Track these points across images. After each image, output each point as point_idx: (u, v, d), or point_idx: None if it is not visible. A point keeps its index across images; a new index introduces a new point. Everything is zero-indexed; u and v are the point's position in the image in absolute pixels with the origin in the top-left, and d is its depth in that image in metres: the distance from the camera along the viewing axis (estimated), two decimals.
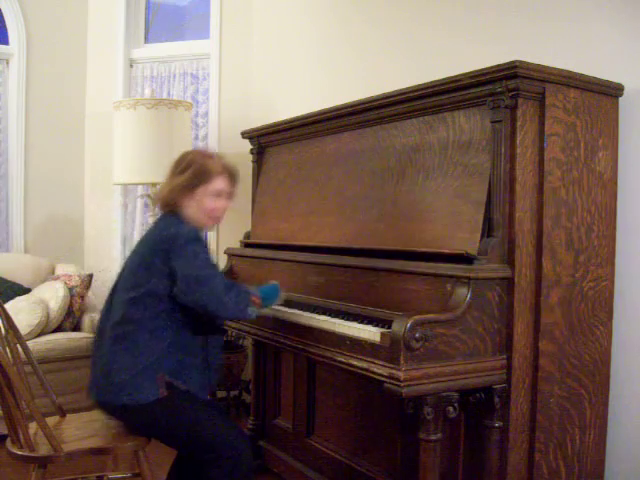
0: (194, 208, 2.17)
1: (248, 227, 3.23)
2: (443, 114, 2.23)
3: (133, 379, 2.05)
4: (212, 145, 4.25)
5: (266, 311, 2.33)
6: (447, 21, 2.93)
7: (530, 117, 2.00)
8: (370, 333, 1.94)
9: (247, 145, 3.33)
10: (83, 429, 2.25)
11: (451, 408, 1.91)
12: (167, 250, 2.07)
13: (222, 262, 3.23)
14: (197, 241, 2.12)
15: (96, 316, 3.90)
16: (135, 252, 2.23)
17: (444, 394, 1.89)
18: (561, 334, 2.08)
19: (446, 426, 2.05)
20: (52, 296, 3.75)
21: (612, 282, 2.22)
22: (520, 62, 1.92)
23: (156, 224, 2.25)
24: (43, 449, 2.04)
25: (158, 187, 2.36)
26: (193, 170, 2.17)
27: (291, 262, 2.71)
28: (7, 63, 4.41)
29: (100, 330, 2.23)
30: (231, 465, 2.06)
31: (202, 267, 2.08)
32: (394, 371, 1.79)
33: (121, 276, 2.23)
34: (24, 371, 2.25)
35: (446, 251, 2.03)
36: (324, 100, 3.05)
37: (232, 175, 2.26)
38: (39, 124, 4.49)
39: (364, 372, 1.93)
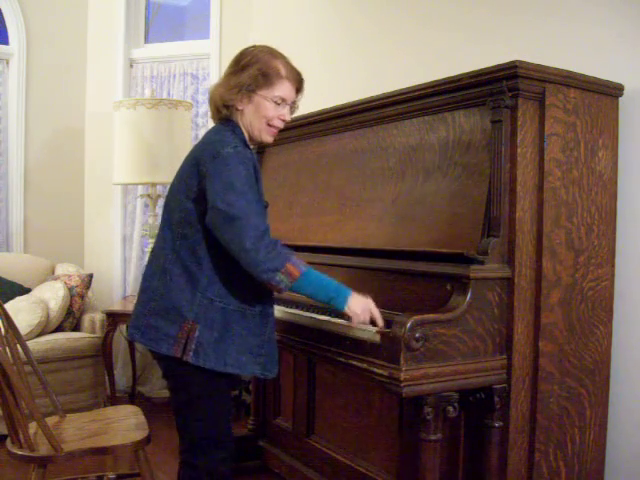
0: (251, 114, 1.93)
1: None
2: (443, 114, 2.23)
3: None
4: None
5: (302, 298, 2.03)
6: (447, 21, 2.93)
7: (530, 117, 2.00)
8: (370, 333, 1.93)
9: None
10: (83, 429, 2.25)
11: (451, 408, 1.91)
12: (202, 163, 1.85)
13: None
14: (241, 160, 1.85)
15: (96, 316, 3.91)
16: (177, 172, 2.01)
17: (444, 394, 1.89)
18: (561, 334, 2.08)
19: (446, 426, 2.05)
20: (52, 296, 3.75)
21: (612, 282, 2.22)
22: (520, 62, 1.92)
23: (204, 136, 2.01)
24: (43, 449, 2.04)
25: (212, 89, 2.02)
26: (257, 68, 1.91)
27: None
28: (7, 63, 4.41)
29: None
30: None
31: (236, 200, 1.80)
32: (394, 371, 1.79)
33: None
34: (24, 371, 2.25)
35: (446, 251, 2.03)
36: (324, 100, 3.04)
37: (299, 82, 1.99)
38: (39, 124, 4.50)
39: (364, 372, 1.93)
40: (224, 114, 1.97)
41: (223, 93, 1.95)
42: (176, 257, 1.93)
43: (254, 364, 1.96)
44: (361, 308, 1.92)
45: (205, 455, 1.97)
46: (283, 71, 1.95)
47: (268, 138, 2.02)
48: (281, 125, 2.00)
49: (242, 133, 1.97)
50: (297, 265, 1.86)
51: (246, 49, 2.02)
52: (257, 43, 2.05)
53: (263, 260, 1.81)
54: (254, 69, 1.92)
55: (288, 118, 2.00)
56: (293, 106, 2.03)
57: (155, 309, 1.94)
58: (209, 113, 2.10)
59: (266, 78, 1.92)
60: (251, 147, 2.00)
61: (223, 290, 1.91)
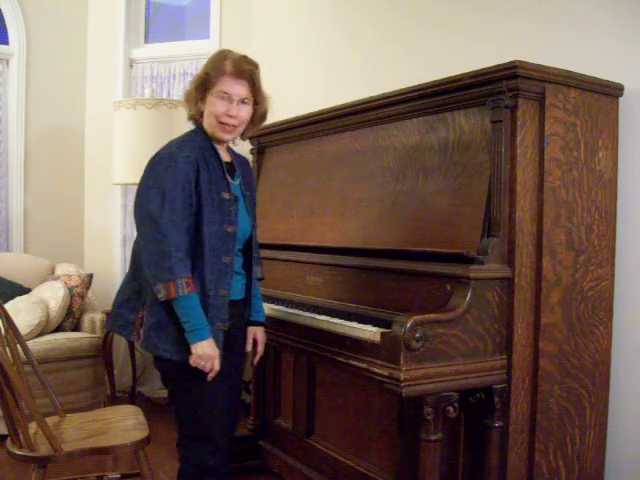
0: (206, 113, 2.01)
1: None
2: (443, 114, 2.23)
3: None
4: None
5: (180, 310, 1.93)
6: (447, 21, 2.93)
7: (530, 117, 2.00)
8: (370, 333, 1.94)
9: (247, 145, 3.33)
10: (83, 429, 2.25)
11: (451, 408, 1.91)
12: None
13: None
14: (172, 161, 1.92)
15: (96, 316, 3.91)
16: None
17: (444, 394, 1.89)
18: (561, 334, 2.08)
19: (446, 426, 2.05)
20: (52, 296, 3.75)
21: (612, 282, 2.22)
22: (520, 62, 1.92)
23: None
24: (43, 449, 2.04)
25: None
26: (204, 70, 2.01)
27: (291, 262, 2.71)
28: (7, 63, 4.41)
29: None
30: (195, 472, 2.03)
31: (153, 198, 1.88)
32: (394, 371, 1.79)
33: None
34: (24, 371, 2.25)
35: (446, 251, 2.03)
36: (324, 100, 3.04)
37: (241, 73, 1.99)
38: (39, 124, 4.50)
39: (364, 372, 1.93)
40: (193, 121, 2.09)
41: (185, 105, 2.09)
42: (136, 248, 2.04)
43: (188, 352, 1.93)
44: (206, 355, 1.92)
45: (192, 447, 2.02)
46: (227, 67, 1.98)
47: (222, 135, 2.04)
48: (231, 121, 2.00)
49: (203, 135, 2.04)
50: (178, 287, 1.86)
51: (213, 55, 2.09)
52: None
53: (155, 266, 1.87)
54: (202, 72, 2.02)
55: (235, 113, 2.00)
56: (246, 101, 2.02)
57: (122, 299, 2.07)
58: None
59: (210, 76, 1.98)
60: (216, 148, 2.05)
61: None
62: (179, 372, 1.98)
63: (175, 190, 1.89)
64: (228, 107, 1.99)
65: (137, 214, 1.92)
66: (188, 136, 2.05)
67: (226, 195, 2.01)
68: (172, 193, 1.89)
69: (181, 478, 2.06)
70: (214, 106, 1.98)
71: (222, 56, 2.02)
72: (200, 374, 1.95)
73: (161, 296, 1.87)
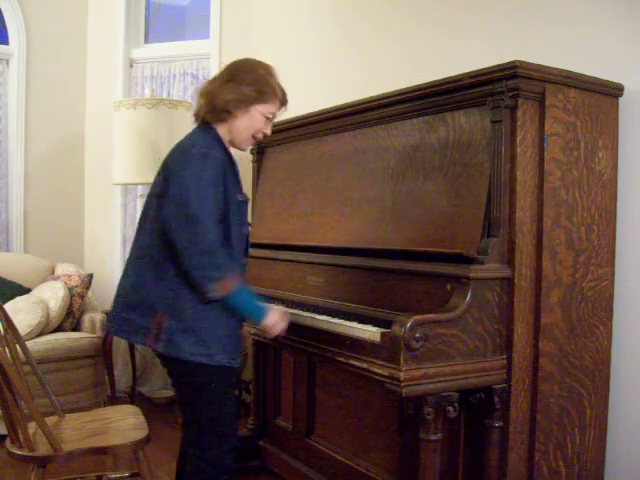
0: (244, 123, 2.06)
1: None
2: (443, 114, 2.23)
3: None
4: None
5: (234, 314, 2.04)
6: (447, 21, 2.93)
7: (530, 117, 2.00)
8: (370, 333, 1.94)
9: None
10: (83, 429, 2.25)
11: (451, 408, 1.91)
12: (170, 161, 1.99)
13: None
14: (208, 161, 1.94)
15: (96, 316, 3.91)
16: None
17: (444, 394, 1.89)
18: (561, 334, 2.08)
19: (446, 426, 2.05)
20: (52, 296, 3.75)
21: (612, 282, 2.22)
22: (520, 62, 1.92)
23: (184, 137, 2.11)
24: (42, 449, 2.04)
25: (208, 89, 2.13)
26: (258, 84, 2.05)
27: (291, 262, 2.71)
28: (7, 63, 4.41)
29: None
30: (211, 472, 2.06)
31: (195, 200, 1.88)
32: (394, 371, 1.79)
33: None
34: (23, 371, 2.25)
35: (446, 251, 2.03)
36: (324, 100, 3.04)
37: (285, 103, 2.15)
38: (39, 124, 4.49)
39: (364, 372, 1.93)
40: (210, 117, 2.07)
41: (227, 99, 2.04)
42: (148, 252, 2.01)
43: (222, 353, 2.00)
44: (275, 323, 2.05)
45: (211, 447, 2.04)
46: (277, 91, 2.09)
47: (246, 147, 2.17)
48: (261, 138, 2.15)
49: (220, 136, 2.07)
50: (232, 278, 1.93)
51: (245, 62, 2.15)
52: (253, 57, 2.21)
53: (205, 268, 1.88)
54: (255, 84, 2.05)
55: (269, 133, 2.15)
56: (273, 121, 2.17)
57: (129, 303, 2.03)
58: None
59: (264, 95, 2.06)
60: (230, 149, 2.11)
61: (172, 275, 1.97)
62: (202, 374, 2.00)
63: (211, 191, 1.91)
64: (267, 127, 2.11)
65: (173, 215, 1.89)
66: (211, 135, 2.05)
67: (240, 197, 2.06)
68: (208, 194, 1.90)
69: (197, 479, 2.06)
70: (257, 122, 2.07)
71: (276, 77, 2.11)
72: (221, 374, 2.01)
73: (214, 295, 1.91)
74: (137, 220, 4.69)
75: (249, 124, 2.07)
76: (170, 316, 1.94)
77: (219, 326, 1.99)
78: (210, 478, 2.04)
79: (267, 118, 2.09)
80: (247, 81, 2.05)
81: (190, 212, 1.86)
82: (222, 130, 2.08)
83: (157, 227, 1.97)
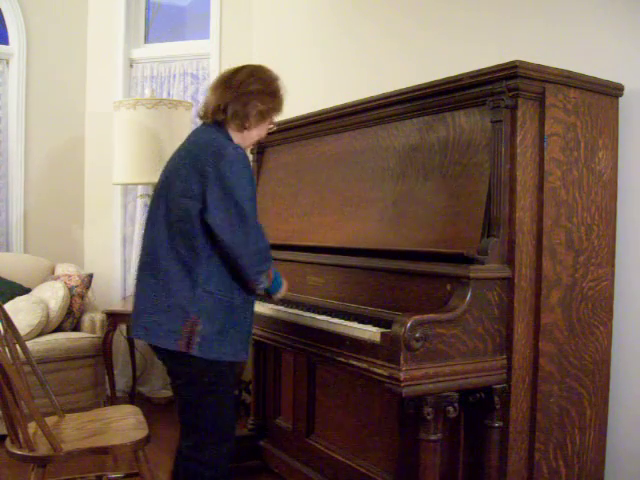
0: (258, 131, 2.12)
1: None
2: (443, 114, 2.23)
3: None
4: None
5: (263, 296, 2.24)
6: (447, 21, 2.93)
7: (530, 117, 2.00)
8: (370, 333, 1.94)
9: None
10: (82, 429, 2.25)
11: (451, 408, 1.91)
12: (205, 163, 1.95)
13: None
14: (244, 161, 1.99)
15: (96, 316, 3.91)
16: (169, 170, 2.10)
17: (444, 394, 1.89)
18: (561, 334, 2.08)
19: (446, 426, 2.05)
20: (52, 296, 3.75)
21: (612, 282, 2.22)
22: (520, 62, 1.92)
23: (196, 135, 2.11)
24: (42, 449, 2.04)
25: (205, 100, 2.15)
26: (279, 100, 2.12)
27: (291, 262, 2.71)
28: (7, 63, 4.41)
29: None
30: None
31: (246, 202, 1.94)
32: (394, 371, 1.79)
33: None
34: (23, 371, 2.25)
35: (446, 251, 2.03)
36: (324, 100, 3.05)
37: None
38: (39, 124, 4.49)
39: (364, 372, 1.93)
40: (223, 118, 2.06)
41: (251, 112, 2.06)
42: (174, 254, 1.99)
43: (243, 351, 2.08)
44: (285, 289, 2.24)
45: (211, 449, 2.06)
46: (283, 102, 2.16)
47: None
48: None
49: (231, 137, 2.08)
50: (271, 272, 2.09)
51: (267, 73, 2.13)
52: (263, 67, 2.18)
53: (258, 262, 1.99)
54: (275, 98, 2.11)
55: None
56: None
57: (157, 307, 1.99)
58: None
59: (279, 107, 2.14)
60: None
61: (221, 283, 2.00)
62: (218, 375, 2.03)
63: (252, 189, 1.99)
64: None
65: (223, 217, 1.92)
66: (227, 136, 2.06)
67: None
68: (252, 193, 1.98)
69: None
70: (263, 132, 2.15)
71: (283, 87, 2.15)
72: (229, 375, 2.06)
73: (263, 286, 2.05)
74: (137, 220, 4.68)
75: (259, 133, 2.14)
76: (206, 320, 1.97)
77: (243, 325, 2.07)
78: None
79: (269, 127, 2.17)
80: (271, 93, 2.09)
81: (241, 212, 1.92)
82: (232, 132, 2.08)
83: (184, 228, 1.97)
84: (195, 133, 2.13)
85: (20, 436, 2.02)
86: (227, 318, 2.00)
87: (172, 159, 2.13)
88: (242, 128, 2.07)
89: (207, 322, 1.97)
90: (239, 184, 1.93)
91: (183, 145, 2.13)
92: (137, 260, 2.19)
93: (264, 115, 2.09)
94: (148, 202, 4.17)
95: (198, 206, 1.94)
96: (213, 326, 1.97)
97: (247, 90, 2.05)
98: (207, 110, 2.09)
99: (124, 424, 2.29)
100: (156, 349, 2.06)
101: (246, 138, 2.11)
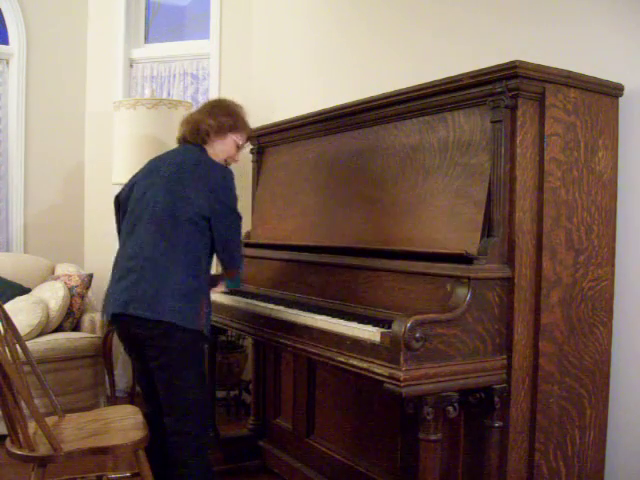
0: (220, 147, 2.47)
1: (248, 227, 3.23)
2: (443, 114, 2.23)
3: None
4: None
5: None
6: (447, 21, 2.93)
7: (530, 117, 2.00)
8: (370, 333, 1.93)
9: (247, 145, 3.32)
10: (83, 429, 2.25)
11: (451, 408, 1.91)
12: (211, 177, 2.30)
13: None
14: (232, 178, 2.37)
15: (96, 316, 3.91)
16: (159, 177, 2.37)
17: (444, 394, 1.88)
18: (561, 334, 2.08)
19: (446, 426, 2.05)
20: (52, 296, 3.75)
21: (612, 282, 2.22)
22: (520, 62, 1.92)
23: (183, 152, 2.44)
24: (42, 449, 2.04)
25: (195, 118, 2.52)
26: (235, 117, 2.50)
27: (291, 262, 2.71)
28: (7, 63, 4.41)
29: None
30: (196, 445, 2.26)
31: (235, 206, 2.34)
32: (394, 371, 1.79)
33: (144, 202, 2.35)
34: (23, 371, 2.25)
35: (446, 251, 2.03)
36: (324, 100, 3.05)
37: (250, 137, 2.66)
38: (39, 124, 4.49)
39: (364, 372, 1.92)
40: (193, 139, 2.45)
41: (207, 126, 2.43)
42: (181, 249, 2.24)
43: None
44: None
45: (195, 421, 2.25)
46: (247, 124, 2.56)
47: None
48: (230, 163, 2.54)
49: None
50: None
51: (222, 101, 2.61)
52: (224, 98, 2.67)
53: (239, 254, 2.38)
54: (231, 117, 2.49)
55: (238, 160, 2.58)
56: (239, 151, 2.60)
57: (179, 294, 2.20)
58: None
59: (238, 125, 2.51)
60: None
61: (205, 269, 2.32)
62: (191, 337, 2.23)
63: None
64: (237, 154, 2.55)
65: (230, 216, 2.30)
66: (206, 153, 2.44)
67: None
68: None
69: (183, 454, 2.23)
70: (231, 149, 2.51)
71: (243, 111, 2.57)
72: (200, 338, 2.29)
73: (242, 271, 2.43)
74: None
75: (223, 149, 2.48)
76: (208, 299, 2.31)
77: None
78: (197, 450, 2.23)
79: (237, 146, 2.52)
80: (224, 113, 2.48)
81: (239, 218, 2.33)
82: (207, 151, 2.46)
83: (191, 228, 2.25)
84: (182, 152, 2.46)
85: (20, 436, 2.02)
86: (210, 300, 2.35)
87: (157, 169, 2.42)
88: (205, 143, 2.44)
89: (208, 301, 2.31)
90: (233, 190, 2.35)
91: (169, 158, 2.44)
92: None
93: (221, 129, 2.44)
94: None
95: (195, 211, 2.27)
96: (209, 304, 2.32)
97: (205, 114, 2.49)
98: (181, 136, 2.51)
99: (124, 424, 2.29)
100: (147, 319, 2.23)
101: (211, 154, 2.45)
